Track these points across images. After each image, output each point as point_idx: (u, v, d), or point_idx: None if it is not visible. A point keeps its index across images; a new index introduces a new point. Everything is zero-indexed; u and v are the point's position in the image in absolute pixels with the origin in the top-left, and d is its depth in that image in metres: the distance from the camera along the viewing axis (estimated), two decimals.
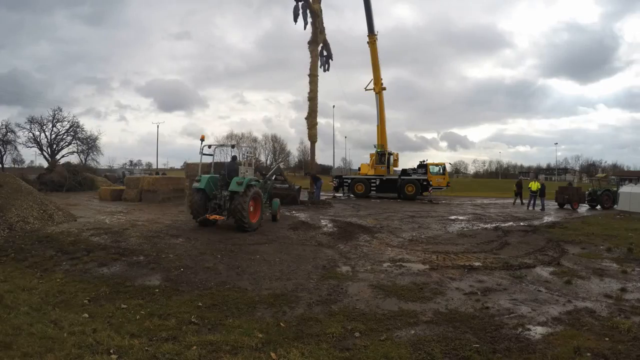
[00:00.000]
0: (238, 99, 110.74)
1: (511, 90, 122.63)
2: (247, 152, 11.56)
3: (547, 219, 14.54)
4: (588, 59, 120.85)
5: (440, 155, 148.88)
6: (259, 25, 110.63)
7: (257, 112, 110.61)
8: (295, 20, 18.13)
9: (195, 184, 10.07)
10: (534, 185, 18.87)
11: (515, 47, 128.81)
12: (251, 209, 9.88)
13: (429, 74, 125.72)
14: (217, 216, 9.91)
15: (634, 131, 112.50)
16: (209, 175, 10.27)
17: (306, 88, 19.15)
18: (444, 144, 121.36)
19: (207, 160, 11.26)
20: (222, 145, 12.28)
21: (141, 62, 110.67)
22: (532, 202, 18.84)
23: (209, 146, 11.07)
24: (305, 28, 18.59)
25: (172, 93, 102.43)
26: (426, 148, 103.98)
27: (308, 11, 18.32)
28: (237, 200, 9.46)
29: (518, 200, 21.32)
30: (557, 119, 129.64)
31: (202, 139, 10.62)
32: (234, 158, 11.19)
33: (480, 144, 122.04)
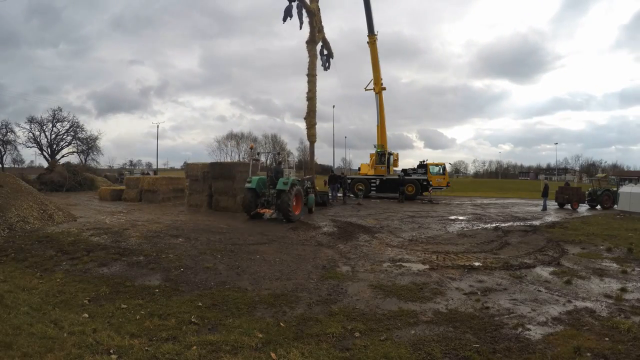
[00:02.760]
0: (190, 105, 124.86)
1: (461, 92, 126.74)
2: (289, 157, 15.00)
3: (547, 219, 14.54)
4: (526, 59, 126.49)
5: (417, 153, 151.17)
6: (195, 52, 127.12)
7: (211, 114, 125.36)
8: (284, 19, 17.84)
9: (247, 184, 12.13)
10: None
11: (439, 51, 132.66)
12: (294, 203, 11.87)
13: (356, 79, 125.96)
14: (267, 210, 11.99)
15: (612, 130, 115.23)
16: (258, 177, 12.40)
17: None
18: (421, 143, 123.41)
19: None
20: (269, 153, 16.12)
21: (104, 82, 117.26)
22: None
23: (258, 153, 14.13)
24: (300, 28, 18.35)
25: (132, 102, 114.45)
26: (408, 146, 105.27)
27: (304, 10, 18.17)
28: (283, 197, 11.47)
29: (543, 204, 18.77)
30: (525, 119, 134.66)
31: (252, 148, 13.77)
32: (279, 163, 13.68)
33: (462, 143, 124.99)
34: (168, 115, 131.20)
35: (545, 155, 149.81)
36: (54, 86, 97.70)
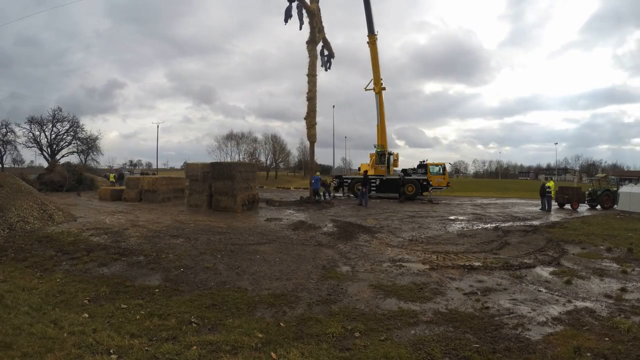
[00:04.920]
0: (164, 111, 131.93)
1: (422, 95, 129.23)
2: None
3: (547, 219, 14.54)
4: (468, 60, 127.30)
5: (402, 152, 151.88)
6: (160, 70, 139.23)
7: (181, 118, 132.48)
8: (286, 21, 17.90)
9: None
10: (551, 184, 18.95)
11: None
12: None
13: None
14: None
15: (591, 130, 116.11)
16: None
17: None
18: (402, 142, 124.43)
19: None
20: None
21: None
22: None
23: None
24: (300, 28, 18.41)
25: (104, 108, 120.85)
26: (392, 146, 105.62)
27: (304, 11, 18.17)
28: None
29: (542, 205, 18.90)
30: (498, 119, 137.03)
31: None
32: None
33: (447, 143, 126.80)
34: (149, 120, 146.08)
35: (535, 155, 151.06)
36: (35, 95, 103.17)
